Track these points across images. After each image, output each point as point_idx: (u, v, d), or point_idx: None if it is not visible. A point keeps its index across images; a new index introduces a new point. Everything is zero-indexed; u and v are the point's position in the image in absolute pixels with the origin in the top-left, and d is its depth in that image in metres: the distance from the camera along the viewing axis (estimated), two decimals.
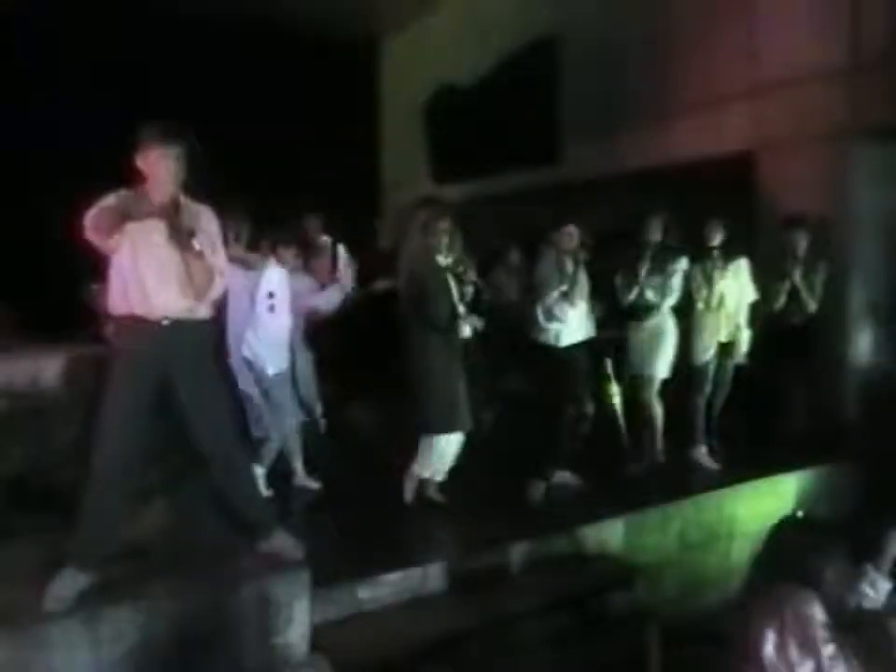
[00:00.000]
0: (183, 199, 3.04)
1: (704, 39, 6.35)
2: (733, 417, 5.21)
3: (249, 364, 4.22)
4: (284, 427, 4.29)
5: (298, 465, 4.47)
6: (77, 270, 3.10)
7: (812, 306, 5.13)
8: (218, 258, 3.14)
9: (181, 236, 2.96)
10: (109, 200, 2.94)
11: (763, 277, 5.09)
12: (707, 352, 4.97)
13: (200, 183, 3.12)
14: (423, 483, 4.26)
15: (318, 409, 4.46)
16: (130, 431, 3.01)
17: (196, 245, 2.96)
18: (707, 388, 5.02)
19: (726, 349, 5.00)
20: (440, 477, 4.26)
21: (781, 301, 5.11)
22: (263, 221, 4.49)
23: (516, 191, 7.94)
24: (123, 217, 2.91)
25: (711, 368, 5.00)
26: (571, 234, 4.58)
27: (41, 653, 2.70)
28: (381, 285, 6.05)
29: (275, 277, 4.25)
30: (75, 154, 6.79)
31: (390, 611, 3.37)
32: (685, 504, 4.41)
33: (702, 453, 5.02)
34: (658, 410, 4.92)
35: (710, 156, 6.11)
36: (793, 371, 5.17)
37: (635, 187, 6.30)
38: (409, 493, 4.23)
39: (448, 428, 4.11)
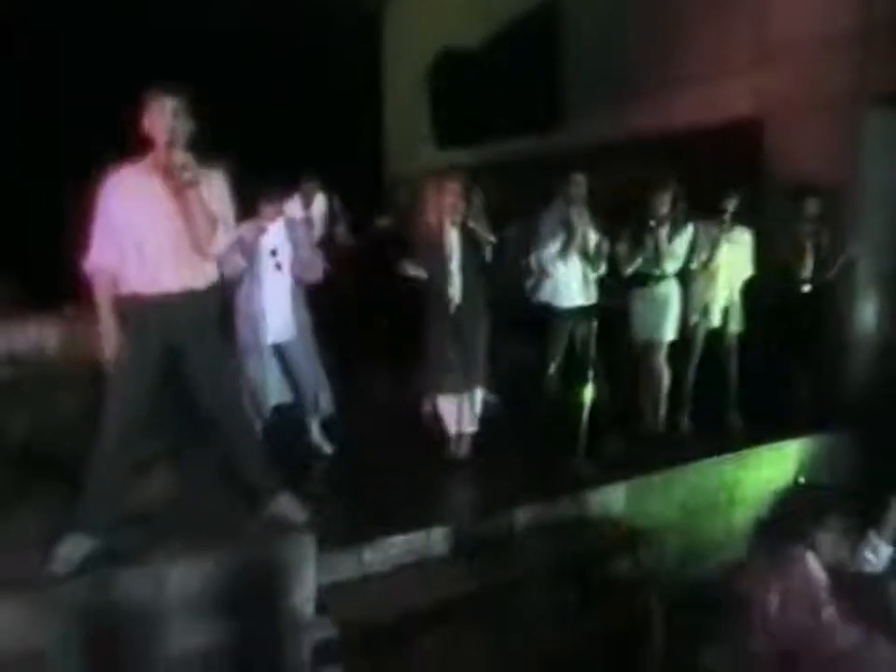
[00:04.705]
0: (189, 157, 3.01)
1: (711, 4, 6.23)
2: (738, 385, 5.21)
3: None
4: (264, 410, 4.19)
5: (314, 424, 4.40)
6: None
7: (820, 273, 5.13)
8: (225, 211, 3.12)
9: (177, 181, 2.93)
10: (109, 226, 2.95)
11: (774, 245, 5.07)
12: (695, 313, 4.96)
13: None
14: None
15: (324, 388, 4.30)
16: (137, 399, 3.03)
17: (188, 175, 2.91)
18: (697, 351, 5.01)
19: (717, 312, 4.99)
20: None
21: (805, 265, 5.10)
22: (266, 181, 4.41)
23: (519, 158, 7.87)
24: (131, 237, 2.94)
25: (700, 330, 4.99)
26: (579, 183, 4.58)
27: (49, 617, 2.73)
28: (382, 223, 6.07)
29: (275, 234, 4.11)
30: (75, 120, 6.73)
31: (395, 574, 3.40)
32: (687, 471, 4.42)
33: (684, 418, 5.04)
34: (665, 375, 4.93)
35: (717, 122, 6.03)
36: (800, 339, 5.16)
37: (640, 154, 6.23)
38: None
39: (435, 389, 4.17)
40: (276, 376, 4.23)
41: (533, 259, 4.68)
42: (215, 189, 3.09)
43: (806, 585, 2.33)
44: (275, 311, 4.09)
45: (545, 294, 4.78)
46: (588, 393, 4.54)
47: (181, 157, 2.93)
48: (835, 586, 2.37)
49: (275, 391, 4.24)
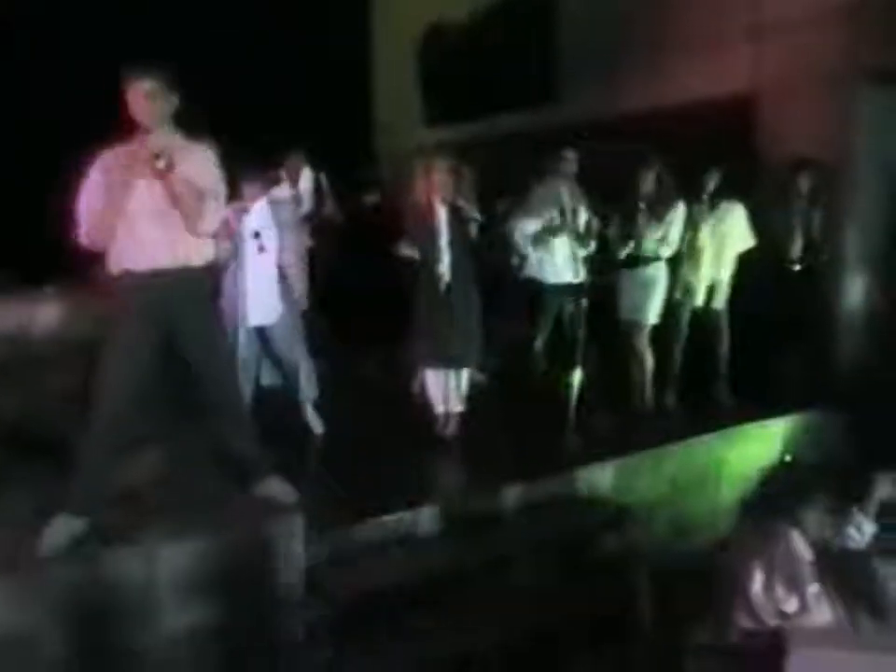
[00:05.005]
0: (172, 136, 2.98)
1: None
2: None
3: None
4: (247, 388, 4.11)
5: (308, 403, 4.36)
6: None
7: (809, 248, 5.16)
8: (213, 185, 3.06)
9: (157, 165, 2.88)
10: (96, 195, 2.89)
11: (765, 219, 5.08)
12: (677, 292, 4.97)
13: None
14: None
15: (305, 367, 4.26)
16: (131, 378, 3.01)
17: (161, 163, 2.84)
18: (683, 331, 5.04)
19: (704, 293, 5.00)
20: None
21: (796, 242, 5.11)
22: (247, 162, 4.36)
23: (511, 134, 7.81)
24: (118, 211, 2.87)
25: (687, 309, 5.00)
26: (569, 159, 4.59)
27: (39, 597, 2.74)
28: (370, 199, 6.02)
29: (259, 214, 4.05)
30: (60, 101, 6.63)
31: (384, 553, 3.41)
32: (675, 448, 4.45)
33: (670, 396, 5.07)
34: (648, 356, 4.94)
35: (711, 97, 5.99)
36: (788, 317, 5.18)
37: (634, 128, 6.19)
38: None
39: (424, 365, 4.21)
40: (257, 359, 4.20)
41: (516, 232, 4.67)
42: (202, 165, 3.05)
43: (791, 562, 2.35)
44: (258, 294, 4.04)
45: (531, 269, 4.79)
46: (577, 371, 4.57)
47: (155, 142, 2.88)
48: (820, 563, 2.40)
49: (256, 374, 4.21)
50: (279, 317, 4.13)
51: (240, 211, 3.98)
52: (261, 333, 4.16)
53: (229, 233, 3.93)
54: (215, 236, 3.88)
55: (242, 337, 4.07)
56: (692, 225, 4.85)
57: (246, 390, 4.11)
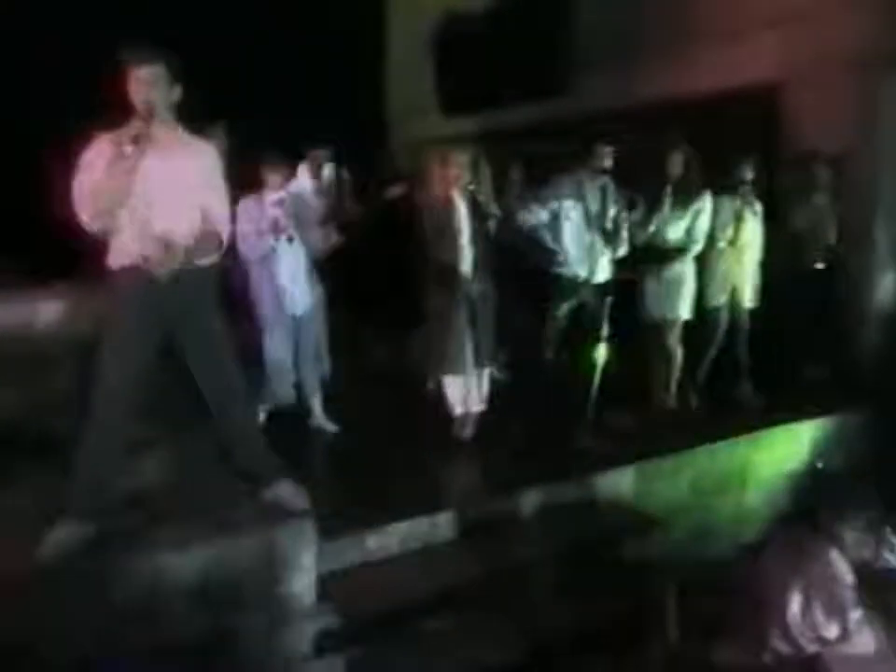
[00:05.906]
0: (171, 128, 2.87)
1: None
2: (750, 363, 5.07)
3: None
4: (282, 384, 4.14)
5: (316, 404, 4.32)
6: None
7: (832, 240, 5.03)
8: (214, 194, 2.96)
9: (166, 165, 2.78)
10: (98, 174, 2.76)
11: (787, 215, 4.92)
12: (724, 293, 4.81)
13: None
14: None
15: (326, 363, 4.29)
16: (129, 377, 2.91)
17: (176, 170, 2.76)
18: (721, 332, 4.88)
19: (743, 291, 4.84)
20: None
21: (818, 237, 4.95)
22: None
23: (528, 124, 7.67)
24: (121, 194, 2.76)
25: (725, 311, 4.85)
26: (602, 153, 4.43)
27: (41, 601, 2.64)
28: (394, 191, 5.92)
29: (285, 204, 4.03)
30: (65, 88, 6.53)
31: (398, 560, 3.33)
32: (699, 451, 4.32)
33: (692, 397, 4.94)
34: (678, 355, 4.78)
35: (733, 86, 5.84)
36: (814, 314, 5.02)
37: (653, 119, 6.04)
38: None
39: (438, 370, 4.13)
40: (293, 355, 4.16)
41: (518, 216, 4.54)
42: (202, 165, 2.93)
43: (832, 584, 2.21)
44: (295, 282, 4.07)
45: (543, 259, 4.64)
46: (597, 371, 4.42)
47: (144, 130, 2.74)
48: (860, 585, 2.26)
49: (294, 371, 4.17)
50: (311, 307, 4.16)
51: (278, 204, 3.96)
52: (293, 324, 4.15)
53: (278, 230, 3.90)
54: (260, 232, 3.87)
55: (278, 334, 4.06)
56: (733, 220, 4.67)
57: (286, 389, 4.12)
